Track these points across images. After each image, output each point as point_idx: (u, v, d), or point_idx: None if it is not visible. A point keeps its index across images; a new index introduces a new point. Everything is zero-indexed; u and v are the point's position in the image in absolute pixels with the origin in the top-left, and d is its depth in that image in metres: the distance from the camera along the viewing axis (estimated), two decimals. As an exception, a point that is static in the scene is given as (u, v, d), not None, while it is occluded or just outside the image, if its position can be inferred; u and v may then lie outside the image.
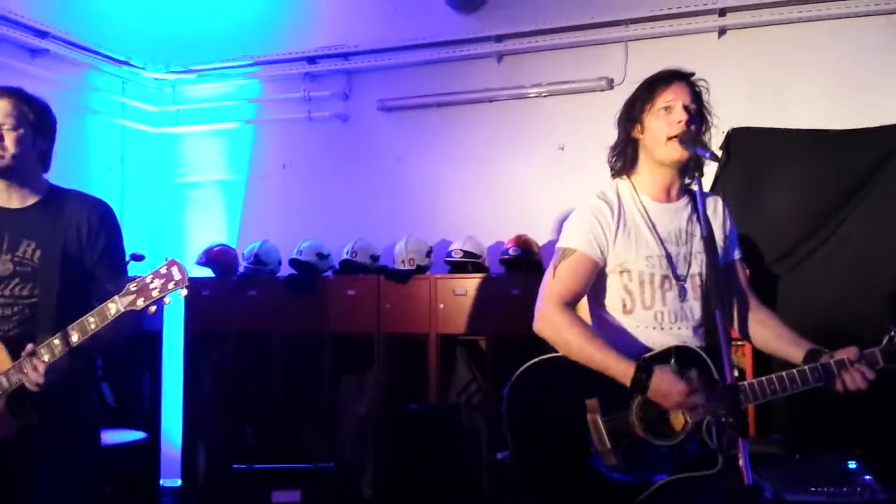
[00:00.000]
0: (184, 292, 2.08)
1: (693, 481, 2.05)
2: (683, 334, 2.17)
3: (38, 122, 2.35)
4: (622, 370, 2.04)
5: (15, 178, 2.34)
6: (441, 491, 4.04)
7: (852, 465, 3.12)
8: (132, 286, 2.08)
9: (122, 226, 2.50)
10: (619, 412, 2.08)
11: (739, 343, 3.62)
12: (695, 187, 2.10)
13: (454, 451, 4.10)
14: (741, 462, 1.66)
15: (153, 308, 2.09)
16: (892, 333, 2.02)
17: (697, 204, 1.99)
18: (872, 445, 3.30)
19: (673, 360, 2.07)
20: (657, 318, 2.16)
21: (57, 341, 2.13)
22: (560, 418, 2.13)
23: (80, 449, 2.37)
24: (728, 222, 2.30)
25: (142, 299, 2.07)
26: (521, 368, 2.19)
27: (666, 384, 2.01)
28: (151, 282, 2.07)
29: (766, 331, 2.27)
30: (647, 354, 2.12)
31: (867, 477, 3.04)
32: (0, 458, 2.21)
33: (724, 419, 1.73)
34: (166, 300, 2.09)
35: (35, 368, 2.10)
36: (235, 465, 4.14)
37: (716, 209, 2.28)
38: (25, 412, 2.20)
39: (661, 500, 2.05)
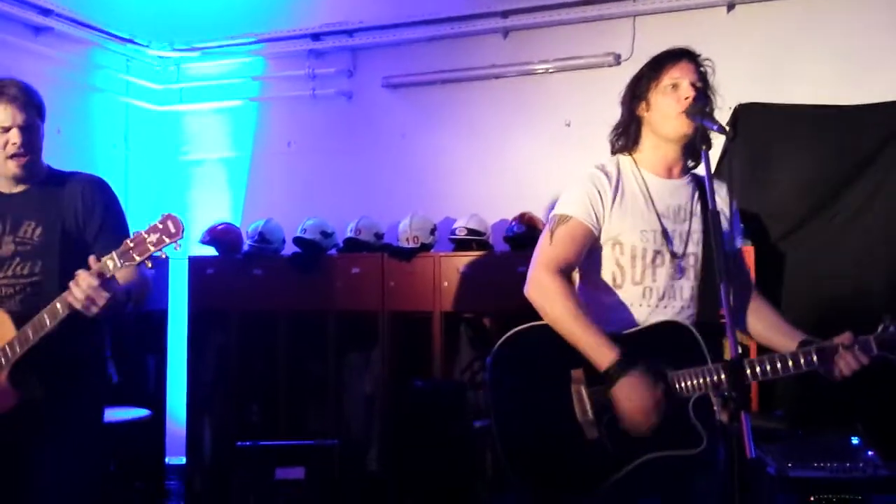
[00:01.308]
0: (178, 246, 2.08)
1: (677, 459, 2.02)
2: (669, 313, 2.14)
3: (42, 113, 2.39)
4: (602, 357, 2.00)
5: (31, 174, 2.38)
6: (445, 467, 4.06)
7: (855, 440, 3.12)
8: (129, 242, 2.09)
9: (124, 202, 2.53)
10: (605, 384, 2.04)
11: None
12: (699, 170, 2.08)
13: (459, 428, 4.11)
14: (744, 436, 1.65)
15: (150, 263, 2.10)
16: (887, 322, 2.00)
17: (701, 179, 1.96)
18: (874, 421, 3.31)
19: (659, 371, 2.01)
20: (645, 294, 2.14)
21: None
22: (544, 387, 2.09)
23: (84, 425, 2.38)
24: (731, 210, 2.24)
25: (138, 253, 2.07)
26: (506, 335, 2.16)
27: (630, 393, 1.95)
28: (148, 236, 2.07)
29: (761, 322, 2.24)
30: (633, 329, 2.10)
31: (869, 452, 3.04)
32: (2, 430, 2.22)
33: (726, 393, 1.73)
34: (162, 254, 2.09)
35: (92, 277, 2.08)
36: (240, 443, 4.16)
37: (719, 194, 2.22)
38: (28, 385, 2.21)
39: (644, 475, 2.02)
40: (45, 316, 2.16)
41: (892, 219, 3.91)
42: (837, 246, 4.00)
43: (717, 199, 2.15)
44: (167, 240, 2.06)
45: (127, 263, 2.08)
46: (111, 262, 2.09)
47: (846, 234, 4.00)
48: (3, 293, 2.32)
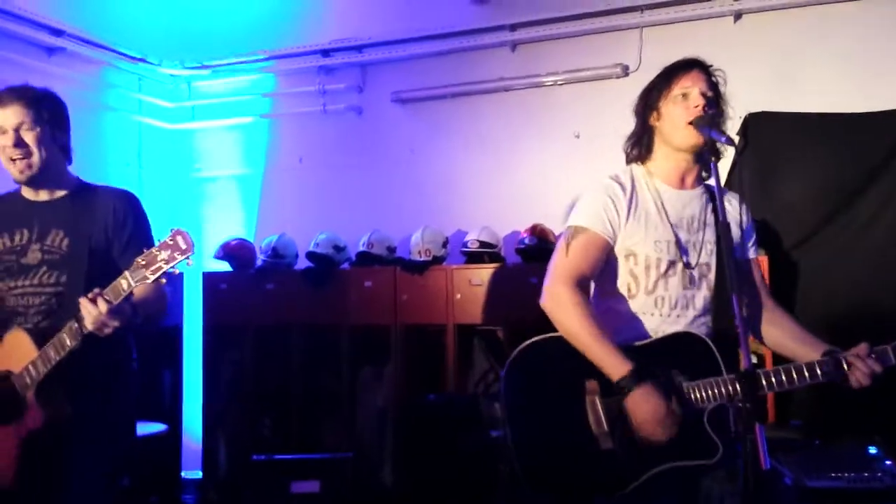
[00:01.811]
0: (189, 262, 2.08)
1: (691, 470, 2.03)
2: (682, 322, 2.14)
3: (52, 117, 2.37)
4: (614, 368, 2.00)
5: (44, 179, 2.38)
6: (460, 480, 4.05)
7: (872, 450, 3.10)
8: (140, 260, 2.08)
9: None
10: (620, 395, 2.04)
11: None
12: (711, 181, 2.08)
13: (473, 441, 4.11)
14: (759, 447, 1.65)
15: (164, 280, 2.10)
16: None
17: (714, 190, 1.96)
18: (892, 430, 3.28)
19: (675, 378, 2.03)
20: (657, 303, 2.14)
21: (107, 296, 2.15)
22: (558, 398, 2.10)
23: (115, 438, 2.39)
24: (745, 219, 2.23)
25: (150, 271, 2.07)
26: (521, 346, 2.16)
27: (642, 403, 1.96)
28: (159, 253, 2.07)
29: (779, 332, 2.22)
30: (648, 340, 2.10)
31: (888, 462, 3.02)
32: (31, 446, 2.24)
33: (740, 404, 1.72)
34: (175, 270, 2.09)
35: (102, 303, 2.09)
36: (255, 457, 4.18)
37: (731, 205, 2.24)
38: (55, 402, 2.23)
39: (657, 486, 2.01)
40: (66, 336, 2.18)
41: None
42: (851, 253, 3.98)
43: (730, 209, 2.17)
44: (178, 256, 2.06)
45: (139, 282, 2.09)
46: (125, 281, 2.10)
47: (859, 241, 3.98)
48: (28, 302, 2.34)
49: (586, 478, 2.06)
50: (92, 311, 2.09)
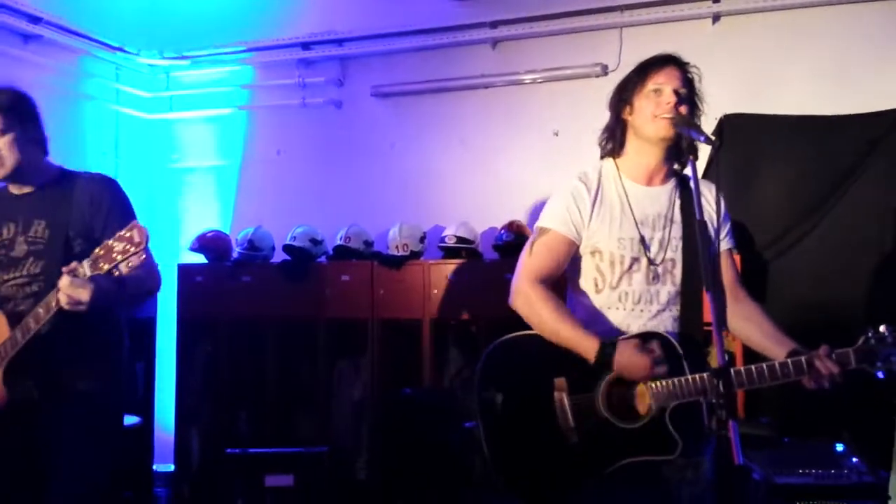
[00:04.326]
0: (142, 256, 2.08)
1: (652, 465, 2.09)
2: (645, 316, 2.19)
3: (15, 115, 2.36)
4: (588, 347, 2.09)
5: (21, 177, 2.41)
6: (434, 474, 4.07)
7: (839, 447, 3.17)
8: (98, 250, 2.10)
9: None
10: (586, 393, 2.12)
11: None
12: (688, 171, 2.12)
13: (447, 435, 4.13)
14: (732, 443, 1.68)
15: (116, 272, 2.10)
16: (869, 334, 1.99)
17: (690, 184, 1.99)
18: (860, 428, 3.34)
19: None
20: (622, 298, 2.20)
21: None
22: (528, 394, 2.19)
23: (95, 427, 2.38)
24: (719, 210, 2.25)
25: (105, 262, 2.08)
26: (494, 343, 2.27)
27: (629, 357, 2.05)
28: (115, 245, 2.08)
29: (751, 327, 2.24)
30: (621, 337, 2.13)
31: (854, 459, 3.09)
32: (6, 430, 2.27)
33: (713, 401, 1.75)
34: (129, 263, 2.09)
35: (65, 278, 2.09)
36: (229, 450, 4.17)
37: (707, 196, 2.26)
38: (21, 386, 2.24)
39: (620, 477, 2.09)
40: (30, 319, 2.21)
41: (873, 228, 3.96)
42: (820, 254, 4.05)
43: (704, 202, 2.17)
44: (132, 248, 2.07)
45: (95, 273, 2.09)
46: (81, 270, 2.11)
47: (829, 242, 4.04)
48: (17, 292, 2.36)
49: (554, 470, 2.15)
50: (59, 285, 2.10)
